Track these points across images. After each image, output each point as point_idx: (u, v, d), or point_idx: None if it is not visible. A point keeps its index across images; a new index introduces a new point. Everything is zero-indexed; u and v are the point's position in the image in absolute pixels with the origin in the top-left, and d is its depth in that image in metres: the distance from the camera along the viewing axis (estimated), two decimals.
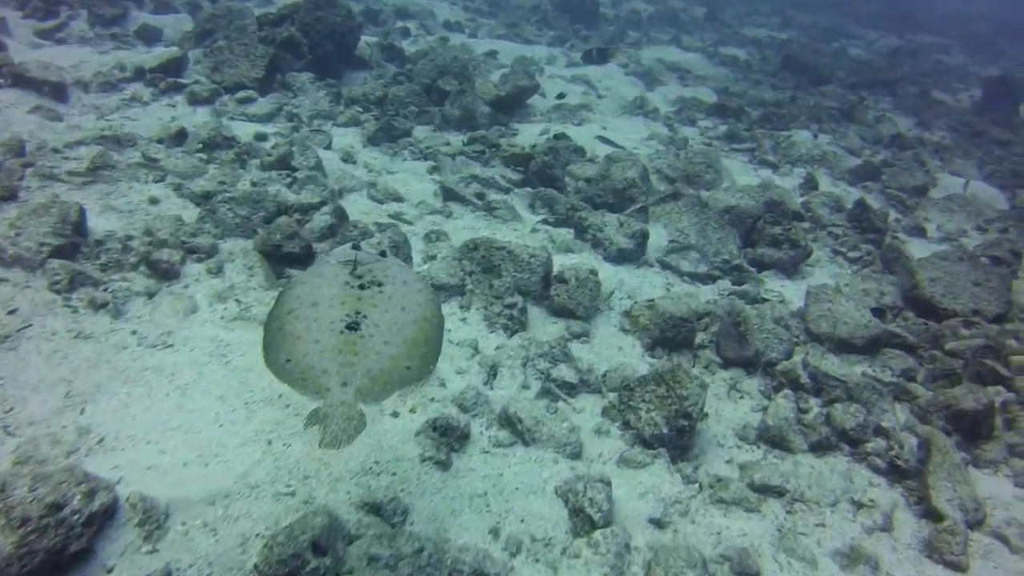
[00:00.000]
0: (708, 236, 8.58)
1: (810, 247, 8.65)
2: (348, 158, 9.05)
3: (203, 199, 7.17)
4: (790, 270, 8.58)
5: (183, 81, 9.90)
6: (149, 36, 11.45)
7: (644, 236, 7.93)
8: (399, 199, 8.34)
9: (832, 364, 6.45)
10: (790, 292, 8.26)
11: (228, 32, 10.51)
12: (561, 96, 12.47)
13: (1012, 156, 14.67)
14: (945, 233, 10.60)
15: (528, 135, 10.94)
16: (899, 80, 19.30)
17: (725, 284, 8.13)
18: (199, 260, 6.19)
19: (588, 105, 12.74)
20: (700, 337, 6.72)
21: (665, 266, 8.03)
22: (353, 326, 3.29)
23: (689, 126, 13.14)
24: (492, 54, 15.03)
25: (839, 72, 19.06)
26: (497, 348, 5.94)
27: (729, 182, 10.42)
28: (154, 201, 7.00)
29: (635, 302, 6.87)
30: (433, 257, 6.92)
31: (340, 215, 7.17)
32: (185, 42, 11.24)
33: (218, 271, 6.12)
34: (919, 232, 10.44)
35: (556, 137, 10.31)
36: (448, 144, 9.95)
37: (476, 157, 9.82)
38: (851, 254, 9.48)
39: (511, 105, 11.58)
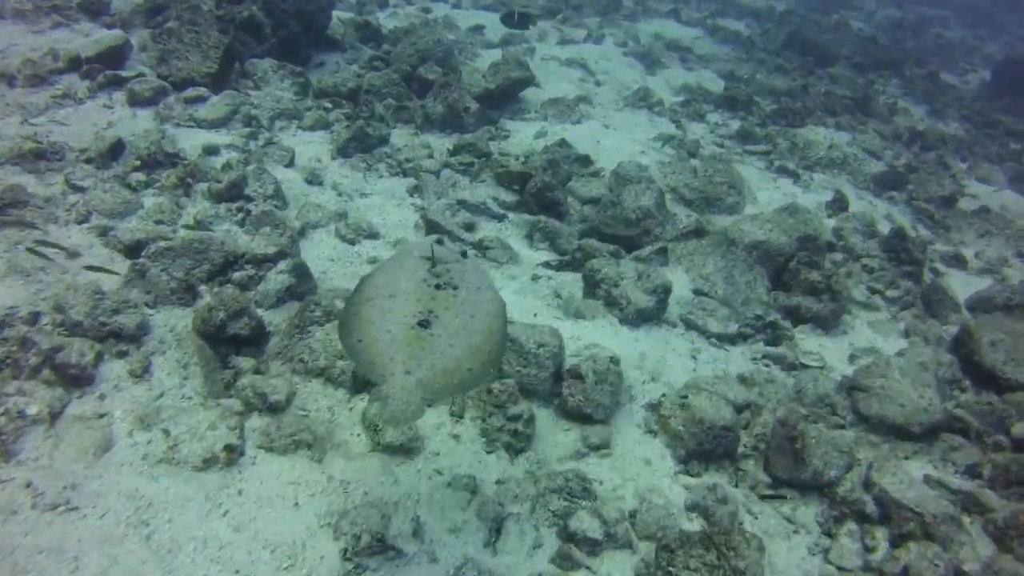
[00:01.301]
0: (735, 281, 7.36)
1: (850, 294, 7.44)
2: (313, 178, 7.67)
3: (133, 250, 5.79)
4: (829, 324, 7.38)
5: (124, 74, 8.38)
6: (94, 9, 9.81)
7: (666, 291, 6.69)
8: (373, 235, 7.00)
9: (898, 482, 5.30)
10: (830, 353, 7.09)
11: (181, 11, 8.93)
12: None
13: None
14: (986, 262, 9.45)
15: (522, 139, 9.58)
16: (905, 60, 18.09)
17: (758, 346, 6.93)
18: (120, 355, 4.84)
19: (586, 96, 11.33)
20: (743, 439, 5.54)
21: (690, 325, 6.81)
22: (424, 323, 3.41)
23: (698, 121, 11.78)
24: (478, 29, 13.50)
25: (844, 50, 17.72)
26: (498, 483, 4.71)
27: (751, 202, 9.14)
28: (73, 254, 5.62)
29: (664, 396, 5.65)
30: None
31: (300, 272, 5.86)
32: (134, 18, 9.63)
33: (143, 371, 4.80)
34: (958, 262, 9.27)
35: (555, 145, 8.98)
36: (431, 155, 8.55)
37: (464, 170, 8.46)
38: (889, 292, 8.31)
39: (502, 100, 10.18)
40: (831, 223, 9.31)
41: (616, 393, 5.47)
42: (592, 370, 5.35)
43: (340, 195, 7.58)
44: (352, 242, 6.84)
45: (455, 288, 3.67)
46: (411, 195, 7.88)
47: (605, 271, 6.68)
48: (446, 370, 3.29)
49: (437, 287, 3.65)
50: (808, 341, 7.23)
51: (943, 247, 9.60)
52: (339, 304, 5.32)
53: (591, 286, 6.70)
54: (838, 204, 9.53)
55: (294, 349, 5.22)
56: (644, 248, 7.40)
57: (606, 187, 8.10)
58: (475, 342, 3.46)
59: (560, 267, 7.11)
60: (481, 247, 7.09)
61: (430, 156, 8.54)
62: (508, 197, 8.08)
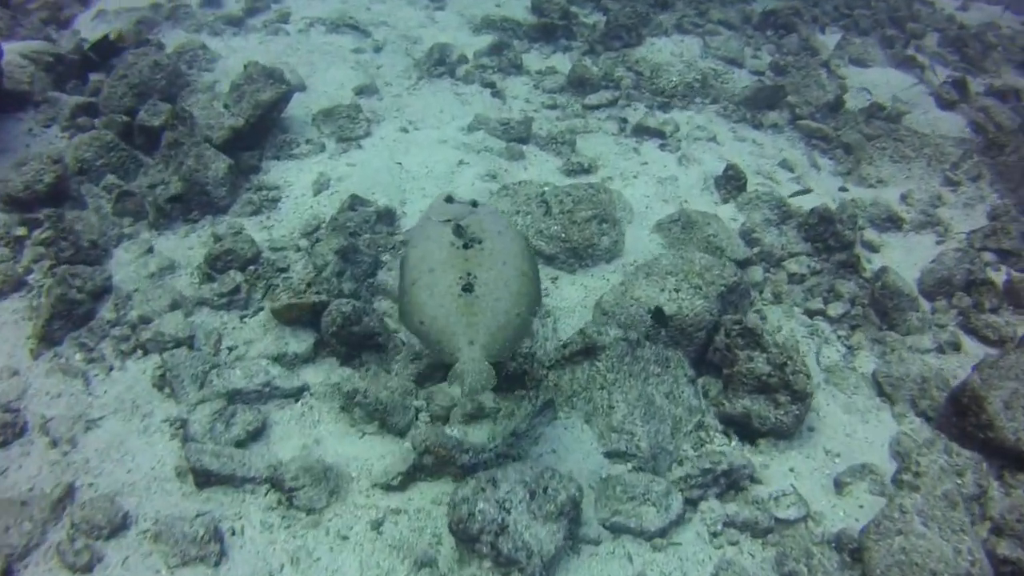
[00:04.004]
0: (657, 405, 5.05)
1: (812, 388, 5.27)
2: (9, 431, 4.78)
3: None
4: (791, 430, 5.22)
5: None
6: None
7: (575, 504, 4.31)
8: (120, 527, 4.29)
9: None
10: (807, 481, 4.99)
11: None
12: None
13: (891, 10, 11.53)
14: (920, 211, 7.42)
15: (298, 200, 6.78)
16: None
17: (713, 506, 4.73)
18: None
19: (369, 85, 8.34)
20: None
21: (618, 530, 4.50)
22: (468, 287, 3.71)
23: (515, 74, 9.03)
24: (213, 1, 10.02)
25: None
26: None
27: (630, 221, 6.71)
28: None
29: None
30: None
31: None
32: None
33: None
34: (892, 224, 7.21)
35: (345, 207, 6.28)
36: (175, 296, 5.71)
37: (228, 303, 5.70)
38: (832, 310, 6.19)
39: (259, 133, 7.18)
40: (730, 210, 6.99)
41: None
42: None
43: (55, 446, 4.73)
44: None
45: (480, 242, 3.95)
46: (161, 394, 5.07)
47: (480, 508, 4.20)
48: (501, 326, 3.67)
49: (465, 246, 3.93)
50: (773, 467, 5.06)
51: (860, 194, 7.45)
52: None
53: (466, 540, 4.22)
54: (732, 181, 7.18)
55: None
56: (519, 411, 4.90)
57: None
58: (514, 288, 3.81)
59: (404, 483, 4.60)
60: (277, 484, 4.48)
61: (174, 303, 5.62)
62: (300, 341, 5.36)
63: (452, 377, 3.58)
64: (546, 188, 6.57)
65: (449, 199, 4.40)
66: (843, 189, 7.67)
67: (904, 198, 7.54)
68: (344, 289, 5.69)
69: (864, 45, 9.99)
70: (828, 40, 10.32)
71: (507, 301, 3.73)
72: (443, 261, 3.86)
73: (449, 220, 4.12)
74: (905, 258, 6.90)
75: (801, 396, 5.13)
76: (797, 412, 5.14)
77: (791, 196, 7.16)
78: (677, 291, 5.55)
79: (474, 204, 4.39)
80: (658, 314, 5.27)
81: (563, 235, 6.12)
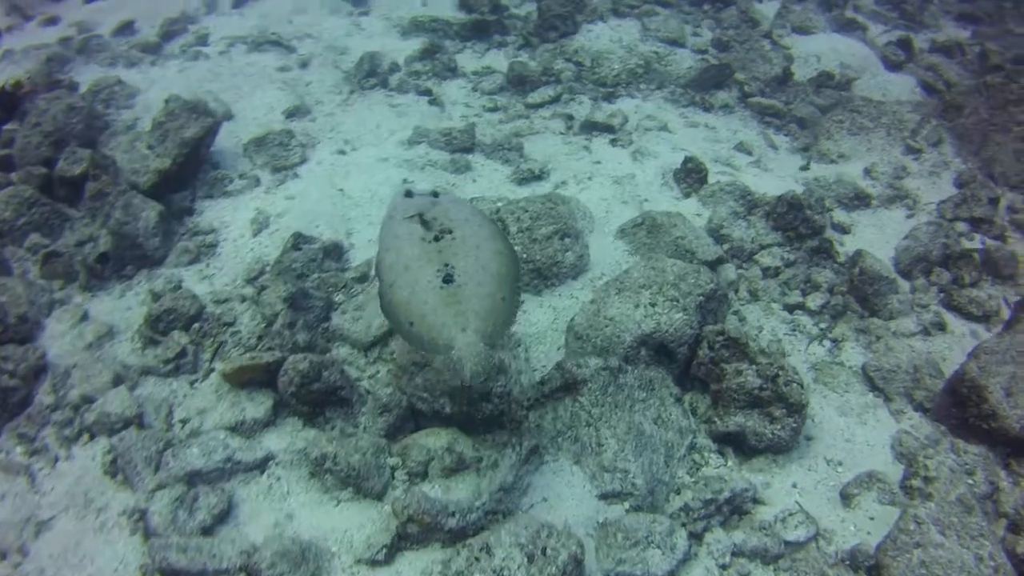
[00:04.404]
0: (646, 434, 4.74)
1: (807, 398, 4.98)
2: None
3: None
4: (790, 444, 4.95)
5: None
6: None
7: (577, 564, 3.98)
8: None
9: None
10: (812, 498, 4.72)
11: None
12: None
13: None
14: (886, 184, 7.19)
15: (237, 243, 6.34)
16: None
17: (719, 536, 4.44)
18: None
19: (300, 106, 7.86)
20: None
21: None
22: (448, 279, 3.68)
23: (451, 79, 8.61)
24: (126, 29, 9.40)
25: None
26: None
27: (591, 231, 6.38)
28: None
29: None
30: None
31: None
32: None
33: None
34: (860, 201, 6.96)
35: (289, 247, 5.87)
36: (115, 376, 5.26)
37: (175, 368, 5.31)
38: (811, 302, 5.93)
39: (188, 173, 6.70)
40: (693, 205, 6.68)
41: None
42: None
43: (4, 558, 4.29)
44: None
45: (450, 232, 3.91)
46: (115, 483, 4.65)
47: None
48: (489, 310, 3.64)
49: (436, 239, 3.89)
50: (775, 485, 4.79)
51: (832, 182, 7.20)
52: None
53: None
54: (693, 174, 6.86)
55: None
56: (503, 461, 4.53)
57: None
58: (493, 270, 3.79)
59: (390, 556, 4.23)
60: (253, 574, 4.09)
61: (116, 377, 5.18)
62: (257, 405, 4.96)
63: (450, 367, 3.60)
64: (500, 205, 6.18)
65: (409, 194, 4.32)
66: (804, 167, 7.40)
67: (868, 172, 7.30)
68: (298, 341, 5.28)
69: (805, 11, 9.73)
70: (767, 9, 10.04)
71: (490, 285, 3.72)
72: (417, 257, 3.82)
73: (413, 216, 4.06)
74: (878, 236, 6.66)
75: (797, 408, 4.85)
76: (794, 425, 4.87)
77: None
78: (653, 305, 5.22)
79: (435, 195, 4.31)
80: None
81: (524, 255, 5.75)
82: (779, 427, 4.85)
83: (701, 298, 5.27)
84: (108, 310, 5.78)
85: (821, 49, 9.20)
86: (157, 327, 5.50)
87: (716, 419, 5.01)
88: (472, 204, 4.11)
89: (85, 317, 5.68)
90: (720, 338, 5.12)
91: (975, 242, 6.59)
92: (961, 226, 6.68)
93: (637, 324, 5.10)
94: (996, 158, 7.19)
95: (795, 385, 4.88)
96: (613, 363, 4.89)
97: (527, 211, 5.89)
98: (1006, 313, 6.03)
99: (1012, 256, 6.32)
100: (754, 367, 4.96)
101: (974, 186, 6.86)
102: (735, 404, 4.96)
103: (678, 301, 5.21)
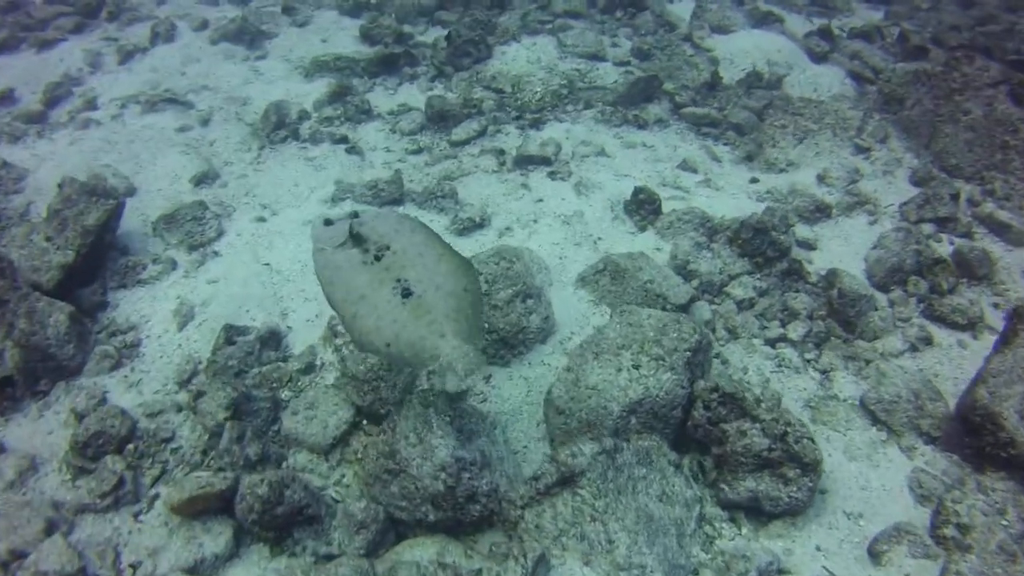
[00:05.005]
0: (653, 515, 4.25)
1: (820, 454, 4.56)
2: None
3: None
4: (807, 505, 4.51)
5: None
6: None
7: None
8: None
9: None
10: (838, 560, 4.31)
11: None
12: None
13: None
14: (843, 191, 6.88)
15: (167, 346, 5.69)
16: None
17: None
18: None
19: (206, 171, 7.14)
20: None
21: None
22: (406, 293, 3.66)
23: (366, 122, 7.97)
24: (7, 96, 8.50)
25: None
26: None
27: (549, 283, 5.86)
28: None
29: None
30: None
31: None
32: None
33: None
34: (821, 213, 6.61)
35: (221, 342, 5.24)
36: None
37: (112, 507, 4.59)
38: (792, 331, 5.56)
39: (93, 264, 6.02)
40: (651, 239, 6.23)
41: None
42: None
43: None
44: None
45: (388, 247, 3.85)
46: None
47: None
48: (458, 308, 3.65)
49: (377, 258, 3.82)
50: (797, 551, 4.36)
51: (785, 193, 6.83)
52: None
53: None
54: (645, 206, 6.40)
55: None
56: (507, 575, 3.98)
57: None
58: (444, 269, 3.77)
59: None
60: None
61: (49, 524, 4.45)
62: (216, 536, 4.33)
63: (440, 374, 3.53)
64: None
65: (328, 222, 4.16)
66: (754, 180, 7.02)
67: (821, 179, 6.96)
68: (250, 455, 4.65)
69: (720, 9, 9.38)
70: (681, 10, 9.67)
71: (448, 284, 3.71)
72: (368, 283, 3.76)
73: (343, 243, 3.96)
74: (844, 249, 6.32)
75: (812, 466, 4.42)
76: (810, 484, 4.45)
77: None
78: (637, 368, 4.73)
79: (355, 215, 4.16)
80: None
81: (486, 324, 5.17)
82: (795, 489, 4.42)
83: (688, 353, 4.79)
84: (27, 436, 5.02)
85: (744, 47, 8.87)
86: (86, 453, 4.77)
87: (724, 486, 4.56)
88: (394, 212, 4.04)
89: (2, 450, 4.89)
90: (715, 396, 4.66)
91: (943, 243, 6.30)
92: (927, 228, 6.37)
93: (623, 391, 4.61)
94: (948, 150, 6.94)
95: (806, 441, 4.45)
96: (608, 444, 4.38)
97: (480, 274, 5.32)
98: (990, 317, 5.74)
99: (984, 255, 6.04)
100: (758, 425, 4.51)
101: (935, 184, 6.58)
102: (743, 468, 4.51)
103: (664, 360, 4.73)
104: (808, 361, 5.51)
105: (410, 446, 4.28)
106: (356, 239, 3.94)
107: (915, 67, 8.06)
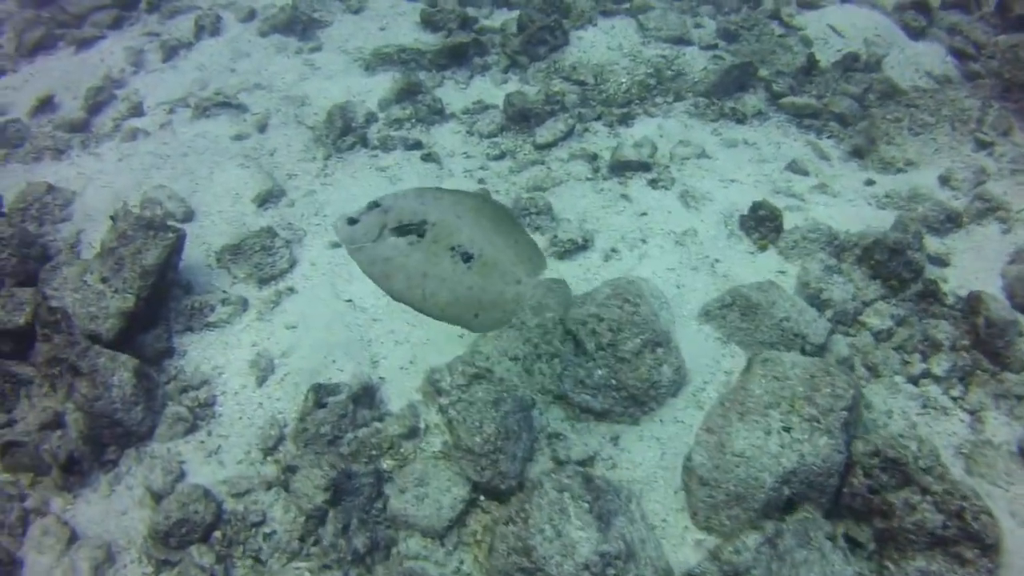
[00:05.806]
0: None
1: (1001, 531, 4.12)
2: None
3: None
4: None
5: None
6: None
7: None
8: None
9: None
10: None
11: None
12: None
13: None
14: (971, 194, 6.31)
15: (236, 390, 5.26)
16: None
17: None
18: None
19: (270, 189, 6.67)
20: None
21: None
22: (467, 257, 3.66)
23: (440, 123, 7.45)
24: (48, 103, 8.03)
25: None
26: None
27: (671, 321, 5.39)
28: None
29: None
30: None
31: None
32: None
33: None
34: (951, 222, 6.07)
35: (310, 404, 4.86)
36: None
37: None
38: (936, 366, 5.10)
39: (155, 306, 5.62)
40: (773, 260, 5.74)
41: None
42: None
43: None
44: None
45: (423, 222, 3.77)
46: None
47: None
48: (515, 249, 3.72)
49: (420, 236, 3.75)
50: None
51: (905, 196, 6.29)
52: None
53: None
54: (767, 223, 5.89)
55: None
56: None
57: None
58: (487, 224, 3.75)
59: None
60: None
61: None
62: None
63: (536, 311, 3.79)
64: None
65: (352, 220, 3.93)
66: (870, 182, 6.47)
67: (945, 180, 6.39)
68: (357, 547, 4.24)
69: None
70: None
71: (498, 237, 3.72)
72: (426, 260, 3.73)
73: (378, 235, 3.84)
74: (978, 263, 5.78)
75: (993, 546, 3.97)
76: (991, 567, 4.00)
77: None
78: (788, 430, 4.29)
79: (376, 204, 3.98)
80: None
81: (613, 381, 4.73)
82: (972, 571, 3.98)
83: (845, 413, 4.34)
84: (99, 517, 4.63)
85: (838, 24, 8.21)
86: (169, 544, 4.40)
87: (890, 564, 4.12)
88: (410, 187, 4.19)
89: (73, 538, 4.53)
90: (876, 460, 4.21)
91: None
92: None
93: (775, 459, 4.17)
94: None
95: (985, 517, 4.00)
96: (771, 531, 3.95)
97: (603, 320, 4.84)
98: None
99: None
100: (930, 498, 4.07)
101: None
102: (912, 547, 4.07)
103: (818, 421, 4.27)
104: (955, 399, 5.05)
105: (547, 541, 3.87)
106: (400, 230, 3.80)
107: (1017, 39, 7.39)
